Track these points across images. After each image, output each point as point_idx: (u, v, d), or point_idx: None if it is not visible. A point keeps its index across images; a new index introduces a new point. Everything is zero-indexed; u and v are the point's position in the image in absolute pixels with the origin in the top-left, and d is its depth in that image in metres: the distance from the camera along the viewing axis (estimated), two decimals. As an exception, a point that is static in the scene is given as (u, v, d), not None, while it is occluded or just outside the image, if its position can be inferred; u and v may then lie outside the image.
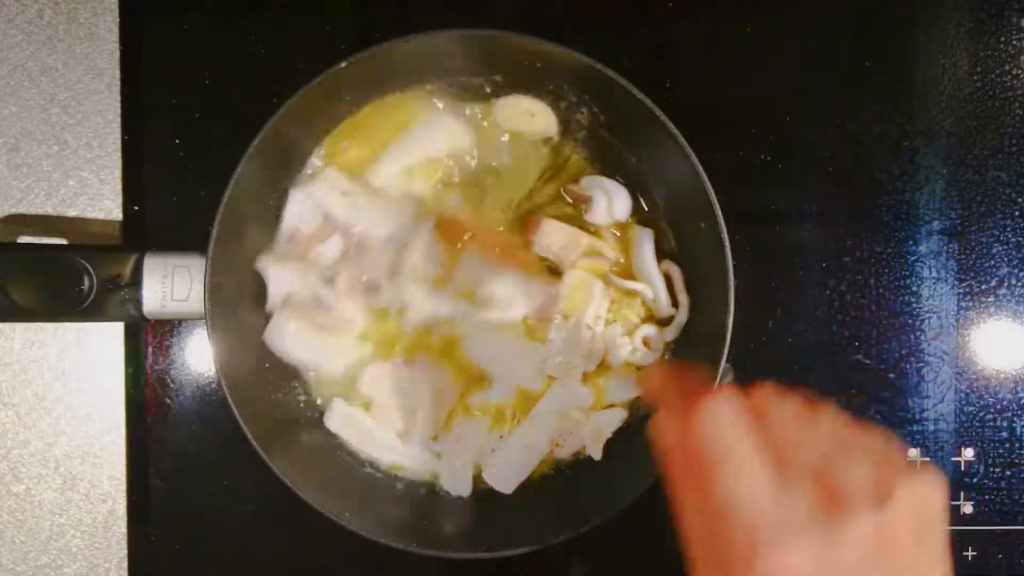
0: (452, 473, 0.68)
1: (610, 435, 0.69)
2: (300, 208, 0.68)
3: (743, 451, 0.38)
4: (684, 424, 0.41)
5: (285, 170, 0.68)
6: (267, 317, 0.68)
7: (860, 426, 0.41)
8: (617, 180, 0.69)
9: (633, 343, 0.68)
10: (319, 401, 0.70)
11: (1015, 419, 0.74)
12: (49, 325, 0.73)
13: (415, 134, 0.69)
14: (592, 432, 0.68)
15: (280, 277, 0.68)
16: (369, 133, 0.69)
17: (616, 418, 0.69)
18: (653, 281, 0.68)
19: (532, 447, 0.68)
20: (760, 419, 0.40)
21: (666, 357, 0.69)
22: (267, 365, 0.69)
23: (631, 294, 0.68)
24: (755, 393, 0.42)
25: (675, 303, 0.69)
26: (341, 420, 0.69)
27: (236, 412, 0.61)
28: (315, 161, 0.69)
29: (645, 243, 0.68)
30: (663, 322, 0.69)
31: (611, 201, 0.68)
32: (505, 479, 0.68)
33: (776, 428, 0.40)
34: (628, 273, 0.69)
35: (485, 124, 0.70)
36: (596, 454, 0.68)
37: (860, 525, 0.36)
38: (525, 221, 0.68)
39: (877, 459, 0.39)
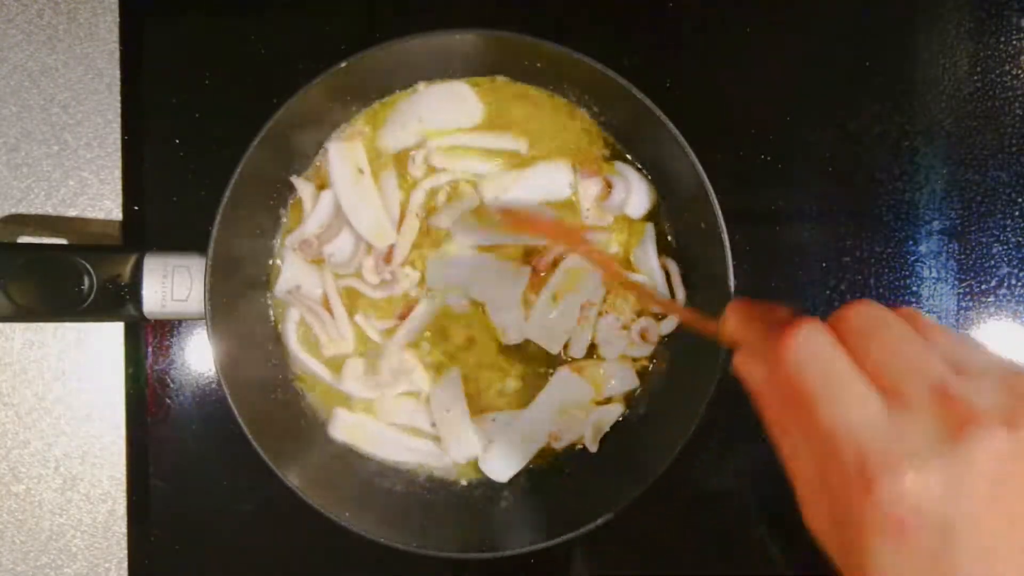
0: (499, 457, 0.69)
1: (608, 429, 0.69)
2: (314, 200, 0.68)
3: (842, 375, 0.35)
4: (773, 358, 0.38)
5: (285, 170, 0.68)
6: (271, 302, 0.70)
7: (976, 346, 0.38)
8: (644, 175, 0.69)
9: (630, 335, 0.68)
10: (319, 407, 0.70)
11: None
12: (49, 325, 0.73)
13: (421, 93, 0.69)
14: (592, 426, 0.69)
15: (297, 265, 0.68)
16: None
17: (614, 412, 0.69)
18: (653, 274, 0.68)
19: (530, 439, 0.69)
20: (861, 343, 0.37)
21: (664, 360, 0.70)
22: (267, 365, 0.69)
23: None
24: (851, 317, 0.38)
25: (672, 296, 0.69)
26: (346, 429, 0.69)
27: (236, 412, 0.61)
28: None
29: (646, 237, 0.69)
30: (660, 316, 0.69)
31: (628, 195, 0.68)
32: (501, 469, 0.69)
33: (882, 352, 0.36)
34: (627, 266, 0.69)
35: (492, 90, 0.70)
36: (592, 447, 0.69)
37: (991, 441, 0.32)
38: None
39: (1000, 376, 0.35)
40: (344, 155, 0.67)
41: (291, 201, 0.70)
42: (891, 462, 0.33)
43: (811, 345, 0.37)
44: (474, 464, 0.70)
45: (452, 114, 0.69)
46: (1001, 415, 0.33)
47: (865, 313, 0.38)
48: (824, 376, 0.36)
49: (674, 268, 0.69)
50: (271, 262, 0.70)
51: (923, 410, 0.34)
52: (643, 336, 0.69)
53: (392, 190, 0.68)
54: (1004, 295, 0.74)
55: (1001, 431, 0.32)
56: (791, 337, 0.37)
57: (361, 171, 0.68)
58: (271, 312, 0.70)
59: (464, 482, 0.70)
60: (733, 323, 0.44)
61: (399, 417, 0.69)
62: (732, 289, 0.62)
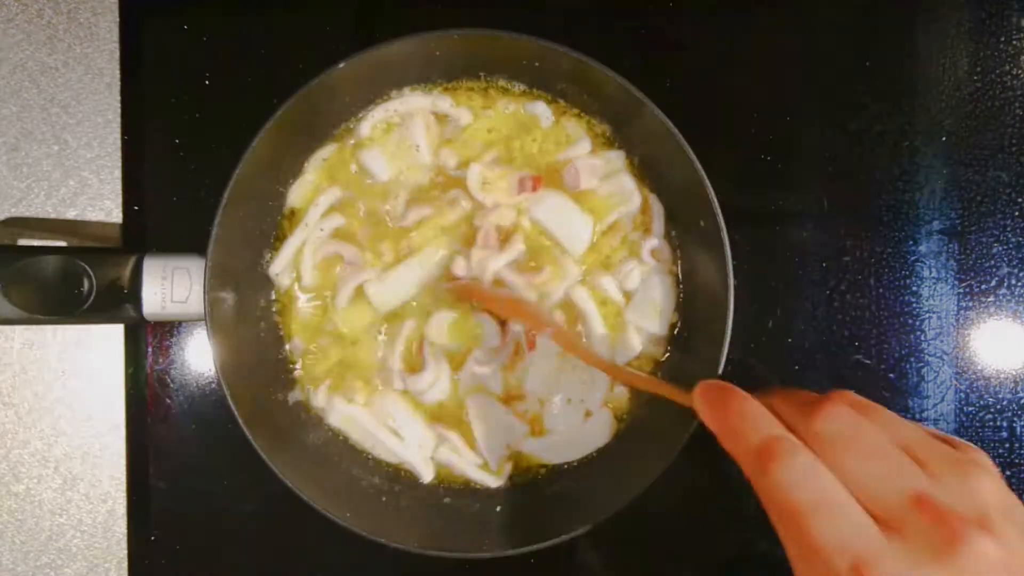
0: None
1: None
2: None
3: (831, 497, 0.37)
4: (757, 474, 0.40)
5: (285, 170, 0.68)
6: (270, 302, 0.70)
7: (918, 428, 0.40)
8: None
9: (641, 258, 0.68)
10: (316, 399, 0.70)
11: (1015, 419, 0.74)
12: (49, 325, 0.73)
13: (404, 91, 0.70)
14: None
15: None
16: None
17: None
18: (630, 196, 0.68)
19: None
20: (838, 458, 0.38)
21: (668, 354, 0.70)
22: (267, 365, 0.69)
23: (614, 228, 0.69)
24: (821, 425, 0.40)
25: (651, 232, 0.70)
26: (342, 417, 0.69)
27: (236, 412, 0.61)
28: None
29: (616, 166, 0.69)
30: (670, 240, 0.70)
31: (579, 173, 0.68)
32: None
33: (859, 466, 0.38)
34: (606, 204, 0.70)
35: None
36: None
37: (980, 553, 0.35)
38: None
39: (958, 465, 0.38)
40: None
41: (285, 210, 0.69)
42: None
43: (795, 469, 0.38)
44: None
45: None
46: (979, 522, 0.36)
47: (835, 420, 0.40)
48: (813, 499, 0.37)
49: (658, 208, 0.69)
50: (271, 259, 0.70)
51: (909, 528, 0.36)
52: (655, 256, 0.69)
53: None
54: (1004, 295, 0.74)
55: (987, 542, 0.35)
56: (772, 460, 0.39)
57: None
58: (270, 312, 0.70)
59: (462, 486, 0.70)
60: (706, 414, 0.45)
61: (393, 419, 0.69)
62: (732, 289, 0.61)
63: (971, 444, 0.41)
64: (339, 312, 0.68)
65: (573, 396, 0.69)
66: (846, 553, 0.35)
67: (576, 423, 0.69)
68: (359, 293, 0.68)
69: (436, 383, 0.68)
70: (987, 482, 0.37)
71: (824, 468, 0.38)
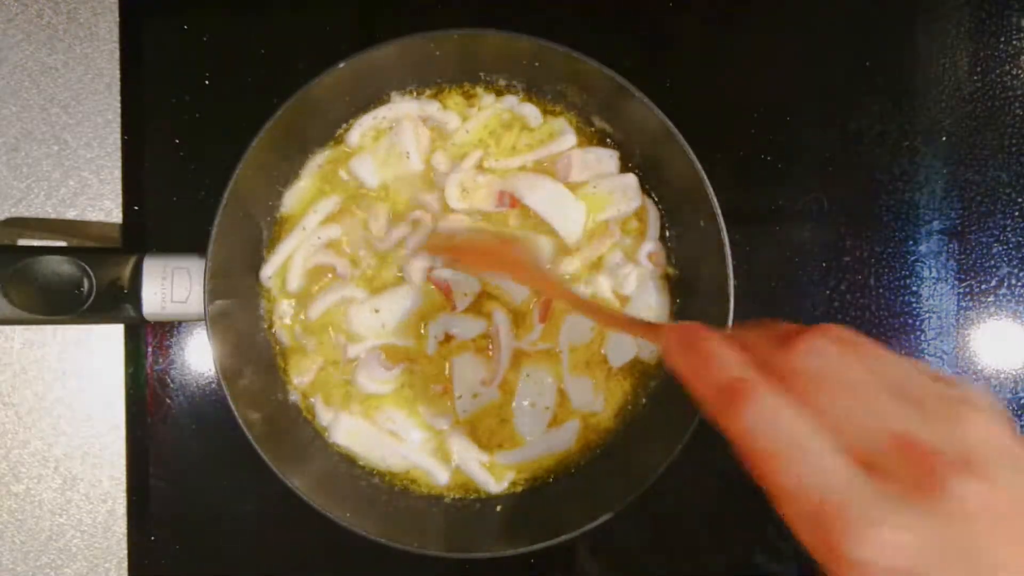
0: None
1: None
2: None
3: (801, 440, 0.34)
4: (723, 421, 0.36)
5: (285, 171, 0.68)
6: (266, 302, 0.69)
7: (911, 366, 0.37)
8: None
9: (637, 262, 0.68)
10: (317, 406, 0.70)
11: (1015, 419, 0.74)
12: (49, 325, 0.73)
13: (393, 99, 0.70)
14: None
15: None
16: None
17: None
18: (627, 191, 0.68)
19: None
20: (812, 397, 0.35)
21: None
22: (267, 365, 0.69)
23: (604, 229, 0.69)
24: (796, 362, 0.37)
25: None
26: (347, 433, 0.69)
27: (236, 412, 0.61)
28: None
29: (613, 166, 0.69)
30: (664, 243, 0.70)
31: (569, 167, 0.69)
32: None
33: (834, 405, 0.35)
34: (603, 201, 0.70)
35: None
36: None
37: (964, 495, 0.32)
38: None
39: (945, 402, 0.35)
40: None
41: (280, 214, 0.69)
42: (864, 524, 0.32)
43: (759, 412, 0.35)
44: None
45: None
46: (964, 463, 0.33)
47: (815, 355, 0.37)
48: (779, 444, 0.35)
49: (654, 212, 0.69)
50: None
51: (890, 471, 0.34)
52: (652, 259, 0.68)
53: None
54: (1004, 295, 0.74)
55: (971, 484, 0.32)
56: (735, 404, 0.36)
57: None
58: (267, 312, 0.70)
59: (461, 487, 0.70)
60: (672, 357, 0.41)
61: (393, 425, 0.69)
62: (732, 289, 0.61)
63: (969, 383, 0.38)
64: (302, 322, 0.69)
65: (539, 402, 0.69)
66: (816, 498, 0.33)
67: (542, 429, 0.69)
68: (335, 311, 0.68)
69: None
70: (977, 421, 0.35)
71: (791, 410, 0.35)
